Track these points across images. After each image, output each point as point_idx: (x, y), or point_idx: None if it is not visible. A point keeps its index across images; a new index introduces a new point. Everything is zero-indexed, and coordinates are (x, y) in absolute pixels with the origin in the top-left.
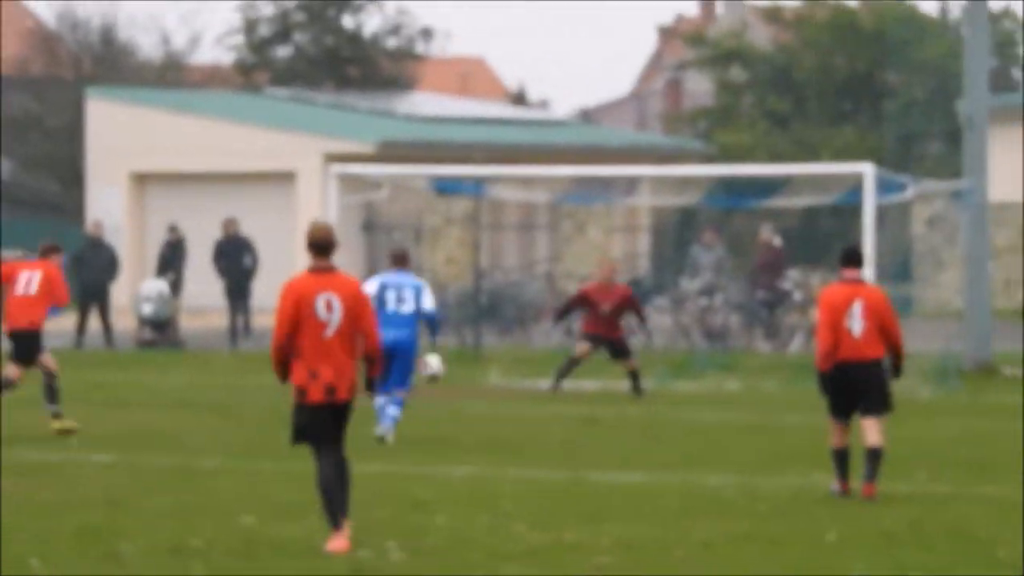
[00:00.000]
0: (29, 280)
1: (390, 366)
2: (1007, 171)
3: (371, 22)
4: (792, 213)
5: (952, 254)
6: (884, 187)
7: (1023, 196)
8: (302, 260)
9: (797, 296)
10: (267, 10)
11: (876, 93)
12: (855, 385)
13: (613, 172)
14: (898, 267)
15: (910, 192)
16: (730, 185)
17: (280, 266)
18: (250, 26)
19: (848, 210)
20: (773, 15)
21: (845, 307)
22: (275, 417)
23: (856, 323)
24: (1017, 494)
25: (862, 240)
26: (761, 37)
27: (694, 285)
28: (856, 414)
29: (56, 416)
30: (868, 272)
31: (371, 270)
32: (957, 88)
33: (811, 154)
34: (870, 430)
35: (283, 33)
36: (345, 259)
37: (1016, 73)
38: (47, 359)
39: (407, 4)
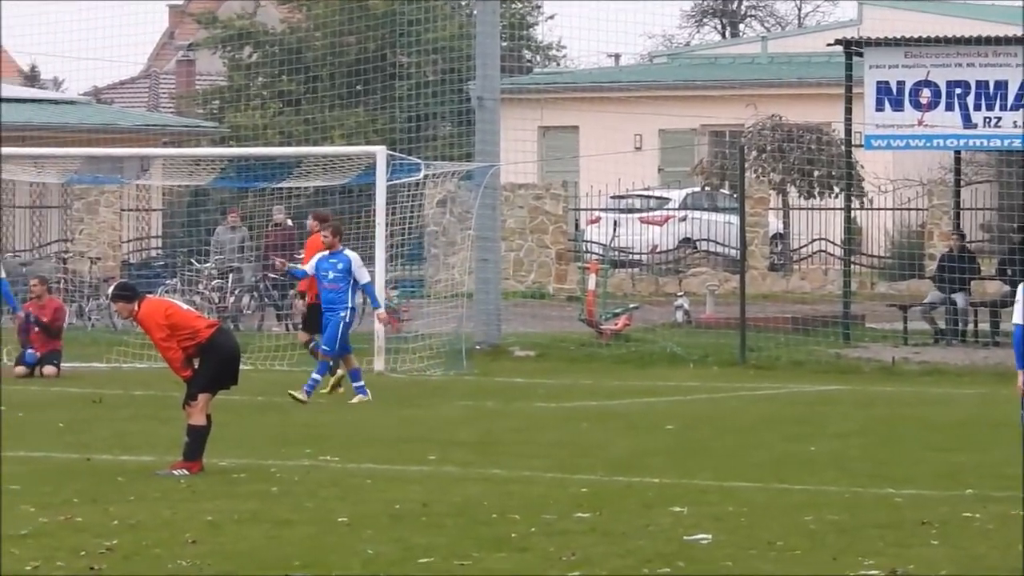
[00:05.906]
0: None
1: None
2: (518, 153)
3: None
4: (304, 194)
5: (463, 235)
6: (396, 168)
7: (535, 179)
8: None
9: None
10: None
11: (387, 74)
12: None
13: (125, 152)
14: (411, 248)
15: (422, 173)
16: (242, 166)
17: None
18: None
19: (359, 191)
20: None
21: None
22: None
23: None
24: (520, 473)
25: (375, 220)
26: (272, 17)
27: (207, 266)
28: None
29: None
30: (380, 254)
31: None
32: (468, 69)
33: (323, 135)
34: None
35: None
36: None
37: (527, 55)
38: None
39: None
